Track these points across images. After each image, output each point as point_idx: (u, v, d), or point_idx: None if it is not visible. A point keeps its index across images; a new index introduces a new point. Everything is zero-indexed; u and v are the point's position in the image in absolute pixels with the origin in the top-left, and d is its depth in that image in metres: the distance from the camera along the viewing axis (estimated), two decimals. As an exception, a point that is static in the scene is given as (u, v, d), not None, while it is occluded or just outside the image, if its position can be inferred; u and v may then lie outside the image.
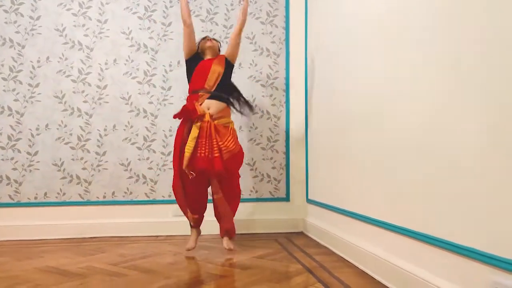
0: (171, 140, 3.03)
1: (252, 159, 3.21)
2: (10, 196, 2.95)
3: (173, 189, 2.43)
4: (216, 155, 2.27)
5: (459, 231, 1.29)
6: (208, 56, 2.56)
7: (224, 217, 2.42)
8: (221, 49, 2.73)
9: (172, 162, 2.66)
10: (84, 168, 3.02)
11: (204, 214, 2.50)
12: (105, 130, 3.05)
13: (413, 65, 1.59)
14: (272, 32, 3.27)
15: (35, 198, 2.97)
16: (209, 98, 2.38)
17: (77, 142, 3.02)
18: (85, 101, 3.05)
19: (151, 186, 3.07)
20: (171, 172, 2.81)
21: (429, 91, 1.47)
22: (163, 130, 3.09)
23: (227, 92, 2.50)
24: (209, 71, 2.42)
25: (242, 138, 3.16)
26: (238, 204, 2.53)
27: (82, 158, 3.02)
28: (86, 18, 3.07)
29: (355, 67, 2.20)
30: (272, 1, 3.27)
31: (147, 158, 3.07)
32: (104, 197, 3.03)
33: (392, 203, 1.75)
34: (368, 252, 1.94)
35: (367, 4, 2.04)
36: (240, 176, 2.54)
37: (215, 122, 2.34)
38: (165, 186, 3.05)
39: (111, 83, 3.07)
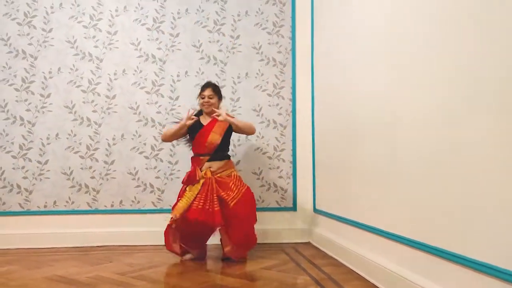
0: (179, 149, 3.07)
1: (259, 168, 3.23)
2: (20, 204, 3.00)
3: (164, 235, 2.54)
4: (217, 208, 2.34)
5: (476, 246, 1.26)
6: (206, 117, 2.62)
7: (233, 255, 2.50)
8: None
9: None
10: (92, 177, 3.06)
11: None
12: (113, 139, 3.09)
13: (422, 74, 1.59)
14: (278, 42, 3.30)
15: (45, 206, 3.02)
16: (210, 160, 2.52)
17: (86, 151, 3.07)
18: (94, 111, 3.10)
19: (158, 195, 3.10)
20: (178, 181, 2.84)
21: (442, 99, 1.46)
22: (171, 140, 3.12)
23: (227, 147, 2.63)
24: (206, 140, 2.52)
25: (249, 147, 3.18)
26: (252, 248, 2.58)
27: (90, 167, 3.06)
28: (96, 30, 3.13)
29: (362, 75, 2.21)
30: (278, 11, 3.31)
31: (155, 167, 3.10)
32: (112, 206, 3.06)
33: (405, 215, 1.73)
34: (379, 265, 1.91)
35: (372, 12, 2.06)
36: (256, 221, 2.56)
37: (217, 175, 2.48)
38: (172, 195, 3.07)
39: (119, 93, 3.12)
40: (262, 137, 3.24)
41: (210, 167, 2.50)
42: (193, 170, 2.49)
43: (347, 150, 2.44)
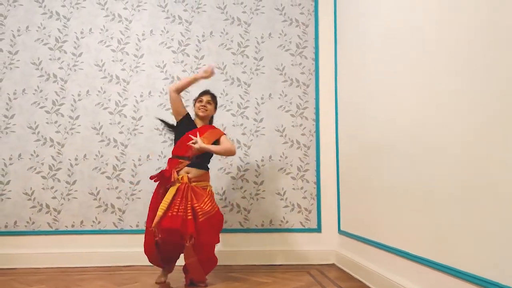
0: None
1: (282, 188, 3.29)
2: (49, 224, 3.13)
3: (144, 250, 2.50)
4: (190, 217, 2.34)
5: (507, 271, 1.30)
6: (198, 123, 2.68)
7: (194, 273, 2.45)
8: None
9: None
10: (118, 197, 3.18)
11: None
12: (139, 160, 3.22)
13: (450, 95, 1.65)
14: (301, 63, 3.41)
15: (72, 226, 3.14)
16: (189, 165, 2.52)
17: (112, 172, 3.20)
18: (120, 132, 3.24)
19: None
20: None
21: (469, 122, 1.52)
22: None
23: (208, 159, 2.65)
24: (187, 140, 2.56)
25: (272, 167, 3.26)
26: (212, 269, 2.52)
27: (117, 188, 3.18)
28: (124, 54, 3.30)
29: (388, 95, 2.28)
30: (301, 33, 3.42)
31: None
32: (137, 226, 3.16)
33: (436, 239, 1.76)
34: (405, 288, 1.95)
35: (397, 31, 2.14)
36: (218, 242, 2.54)
37: (193, 184, 2.47)
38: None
39: (145, 114, 3.26)
40: (286, 157, 3.32)
41: (188, 173, 2.49)
42: (169, 171, 2.46)
43: (373, 171, 2.50)
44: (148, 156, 3.24)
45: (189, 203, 2.37)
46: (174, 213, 2.32)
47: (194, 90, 3.00)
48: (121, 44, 3.32)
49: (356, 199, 2.83)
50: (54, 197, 3.17)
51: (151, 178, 2.52)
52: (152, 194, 2.57)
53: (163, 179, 2.48)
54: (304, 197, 3.31)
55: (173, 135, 2.74)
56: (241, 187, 3.26)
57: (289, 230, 3.25)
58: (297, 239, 3.25)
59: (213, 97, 2.72)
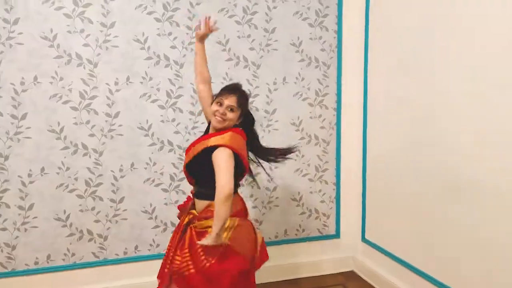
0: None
1: (299, 193, 2.79)
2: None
3: None
4: (166, 270, 1.73)
5: None
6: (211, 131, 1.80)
7: None
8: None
9: None
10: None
11: None
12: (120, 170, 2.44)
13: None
14: (322, 37, 2.71)
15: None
16: (195, 195, 1.84)
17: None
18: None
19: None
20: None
21: None
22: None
23: (214, 182, 1.61)
24: (190, 148, 1.81)
25: (288, 169, 2.71)
26: None
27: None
28: (85, 21, 2.30)
29: (437, 81, 1.79)
30: (321, -4, 2.67)
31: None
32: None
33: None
34: None
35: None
36: None
37: (195, 224, 1.72)
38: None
39: (124, 109, 2.41)
40: (303, 156, 2.77)
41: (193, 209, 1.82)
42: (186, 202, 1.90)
43: (409, 177, 2.18)
44: (132, 165, 2.46)
45: (172, 251, 1.73)
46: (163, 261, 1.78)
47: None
48: (79, 6, 2.30)
49: (390, 207, 2.48)
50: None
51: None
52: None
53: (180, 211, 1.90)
54: (322, 201, 2.86)
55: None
56: (251, 195, 2.69)
57: (304, 239, 2.83)
58: (313, 248, 2.85)
59: (241, 98, 1.75)
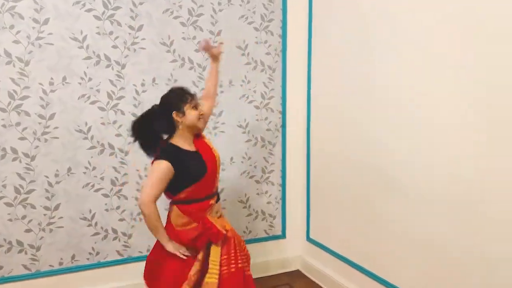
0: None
1: (245, 195, 2.84)
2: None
3: None
4: (248, 272, 1.84)
5: None
6: (187, 141, 1.79)
7: None
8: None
9: None
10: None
11: None
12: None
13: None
14: (267, 41, 2.79)
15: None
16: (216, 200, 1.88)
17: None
18: (22, 138, 2.24)
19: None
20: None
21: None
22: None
23: None
24: (216, 164, 1.81)
25: (235, 172, 2.76)
26: None
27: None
28: (15, 16, 2.17)
29: (378, 82, 1.95)
30: (267, 1, 2.75)
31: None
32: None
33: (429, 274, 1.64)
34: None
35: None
36: None
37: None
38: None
39: (60, 110, 2.30)
40: (249, 158, 2.82)
41: (217, 212, 1.85)
42: (210, 224, 1.72)
43: (350, 179, 2.34)
44: (69, 169, 2.35)
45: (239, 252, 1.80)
46: (234, 267, 1.74)
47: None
48: (9, 1, 2.16)
49: (331, 206, 2.62)
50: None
51: (187, 243, 1.72)
52: (166, 260, 1.74)
53: (210, 238, 1.73)
54: (269, 202, 2.94)
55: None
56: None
57: (251, 240, 2.88)
58: (260, 249, 2.91)
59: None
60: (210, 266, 1.70)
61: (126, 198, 2.48)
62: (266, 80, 2.81)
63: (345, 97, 2.41)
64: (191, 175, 1.70)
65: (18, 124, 2.22)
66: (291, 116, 2.90)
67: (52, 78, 2.26)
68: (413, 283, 1.98)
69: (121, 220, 2.49)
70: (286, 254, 3.00)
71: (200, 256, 1.72)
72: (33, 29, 2.20)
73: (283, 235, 2.99)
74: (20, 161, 2.25)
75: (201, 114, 1.78)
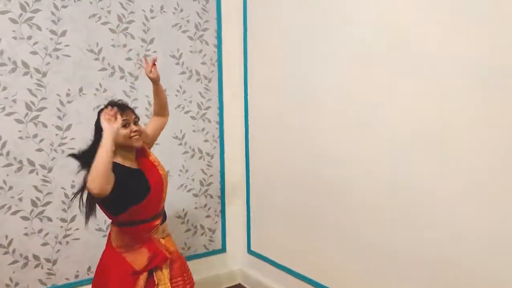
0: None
1: (183, 209, 2.76)
2: None
3: None
4: None
5: None
6: (128, 156, 1.69)
7: None
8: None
9: None
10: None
11: None
12: None
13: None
14: (202, 50, 2.78)
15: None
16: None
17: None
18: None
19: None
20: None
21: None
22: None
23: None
24: (162, 183, 1.73)
25: (172, 185, 2.66)
26: None
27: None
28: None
29: (316, 87, 2.12)
30: (201, 9, 2.75)
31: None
32: None
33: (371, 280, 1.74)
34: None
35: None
36: None
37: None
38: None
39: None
40: (187, 170, 2.76)
41: (163, 231, 1.77)
42: (154, 246, 1.66)
43: (293, 189, 2.41)
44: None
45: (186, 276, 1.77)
46: None
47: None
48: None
49: (270, 218, 2.65)
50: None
51: (134, 272, 1.60)
52: (111, 278, 1.62)
53: (158, 262, 1.65)
54: (208, 216, 2.89)
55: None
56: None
57: (191, 257, 2.80)
58: (199, 265, 2.84)
59: (132, 110, 1.71)
60: None
61: (51, 220, 2.27)
62: (202, 90, 2.79)
63: (283, 105, 2.47)
64: (132, 194, 1.60)
65: None
66: (229, 126, 2.90)
67: (-43, 87, 2.01)
68: None
69: (44, 244, 2.26)
70: (227, 268, 2.96)
71: (141, 281, 1.61)
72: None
73: (223, 249, 2.96)
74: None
75: (134, 132, 1.65)
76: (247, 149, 2.85)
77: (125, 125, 1.63)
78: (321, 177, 2.22)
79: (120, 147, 1.64)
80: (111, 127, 1.47)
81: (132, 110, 1.71)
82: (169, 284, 1.66)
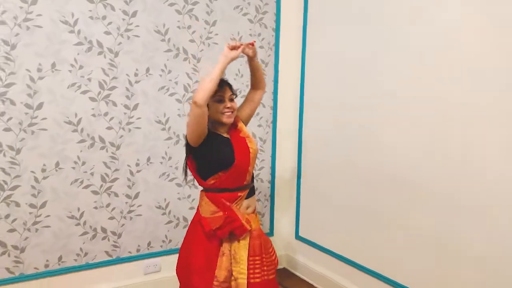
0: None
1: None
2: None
3: None
4: (272, 276, 1.84)
5: None
6: (225, 128, 1.84)
7: None
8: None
9: None
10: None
11: None
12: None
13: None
14: (261, 34, 2.87)
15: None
16: (247, 195, 1.86)
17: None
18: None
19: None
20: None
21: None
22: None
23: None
24: (250, 154, 1.82)
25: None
26: None
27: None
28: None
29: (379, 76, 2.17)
30: (261, -8, 2.83)
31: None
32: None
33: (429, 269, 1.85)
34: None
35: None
36: None
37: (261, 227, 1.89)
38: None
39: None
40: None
41: (248, 207, 1.84)
42: (234, 214, 1.74)
43: (346, 178, 2.52)
44: (57, 164, 2.27)
45: (265, 257, 1.81)
46: (265, 277, 1.77)
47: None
48: None
49: (324, 204, 2.75)
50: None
51: (208, 231, 1.75)
52: (192, 249, 1.79)
53: (233, 232, 1.75)
54: (258, 199, 3.03)
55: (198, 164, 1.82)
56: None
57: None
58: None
59: (232, 88, 1.85)
60: (238, 263, 1.75)
61: (117, 195, 2.44)
62: (259, 74, 2.88)
63: (341, 96, 2.55)
64: (219, 160, 1.75)
65: (2, 114, 2.11)
66: (282, 111, 3.03)
67: (40, 64, 2.17)
68: (412, 277, 2.16)
69: (110, 218, 2.44)
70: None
71: (225, 249, 1.76)
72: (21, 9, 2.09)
73: (271, 233, 3.11)
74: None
75: (227, 108, 1.80)
76: (300, 136, 2.95)
77: (220, 100, 1.77)
78: (377, 169, 2.30)
79: (212, 121, 1.79)
80: (229, 53, 1.67)
81: (230, 86, 1.82)
82: (245, 259, 1.77)
